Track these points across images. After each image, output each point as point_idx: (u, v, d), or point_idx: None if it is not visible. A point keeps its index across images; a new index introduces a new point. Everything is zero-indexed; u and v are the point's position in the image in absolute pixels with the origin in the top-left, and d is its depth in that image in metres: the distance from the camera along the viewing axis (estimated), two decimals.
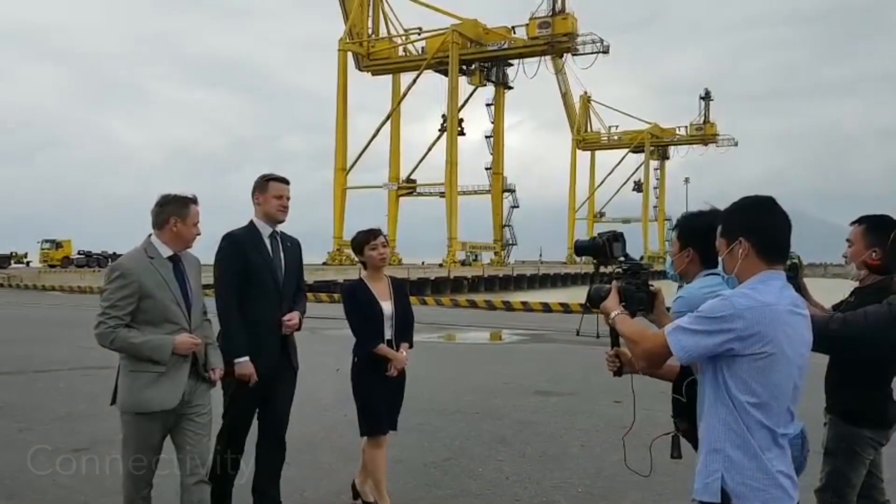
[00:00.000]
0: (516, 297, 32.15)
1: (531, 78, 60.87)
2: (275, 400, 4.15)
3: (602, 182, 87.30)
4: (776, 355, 2.14)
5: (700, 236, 2.66)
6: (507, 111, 65.33)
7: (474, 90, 62.44)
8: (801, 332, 2.22)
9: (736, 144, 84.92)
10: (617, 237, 2.82)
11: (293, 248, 4.25)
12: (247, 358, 3.94)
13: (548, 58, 60.14)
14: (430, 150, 62.44)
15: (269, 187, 4.11)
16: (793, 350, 2.17)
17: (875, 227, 3.20)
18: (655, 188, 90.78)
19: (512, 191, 69.83)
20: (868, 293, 3.16)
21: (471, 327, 18.13)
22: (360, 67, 59.89)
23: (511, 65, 61.87)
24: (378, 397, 4.33)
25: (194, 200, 3.67)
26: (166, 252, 3.59)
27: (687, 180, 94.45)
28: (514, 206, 71.16)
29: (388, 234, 60.97)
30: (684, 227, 2.78)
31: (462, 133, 59.98)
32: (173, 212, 3.58)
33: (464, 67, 58.85)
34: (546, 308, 23.68)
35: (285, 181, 4.20)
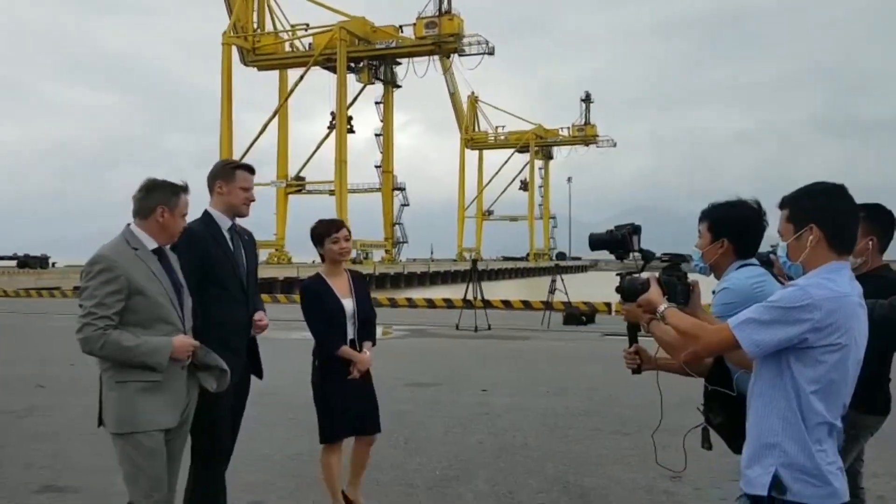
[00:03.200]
0: (404, 295, 32.52)
1: (420, 77, 61.43)
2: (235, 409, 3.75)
3: (490, 181, 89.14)
4: (848, 347, 2.10)
5: (735, 227, 2.65)
6: (397, 110, 65.62)
7: (363, 88, 62.35)
8: (865, 324, 2.19)
9: (615, 145, 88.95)
10: (636, 229, 2.79)
11: (250, 242, 3.88)
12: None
13: (436, 57, 60.82)
14: (319, 147, 61.84)
15: (235, 176, 3.68)
16: (860, 341, 2.16)
17: (872, 216, 3.14)
18: (541, 187, 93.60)
19: (402, 189, 70.19)
20: (867, 280, 3.16)
21: None
22: (245, 62, 58.54)
23: (400, 63, 62.16)
24: (341, 402, 4.09)
25: (185, 189, 3.25)
26: (151, 244, 3.14)
27: (570, 179, 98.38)
28: (404, 205, 71.55)
29: (277, 232, 60.11)
30: (716, 217, 2.71)
31: (351, 131, 59.76)
32: (161, 200, 3.15)
33: (352, 65, 58.64)
34: (430, 304, 24.18)
35: (252, 170, 3.79)
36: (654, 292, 2.49)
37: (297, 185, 62.09)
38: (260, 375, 3.89)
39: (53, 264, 48.79)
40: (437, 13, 57.09)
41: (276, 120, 59.57)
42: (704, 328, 2.28)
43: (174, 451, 3.24)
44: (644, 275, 2.62)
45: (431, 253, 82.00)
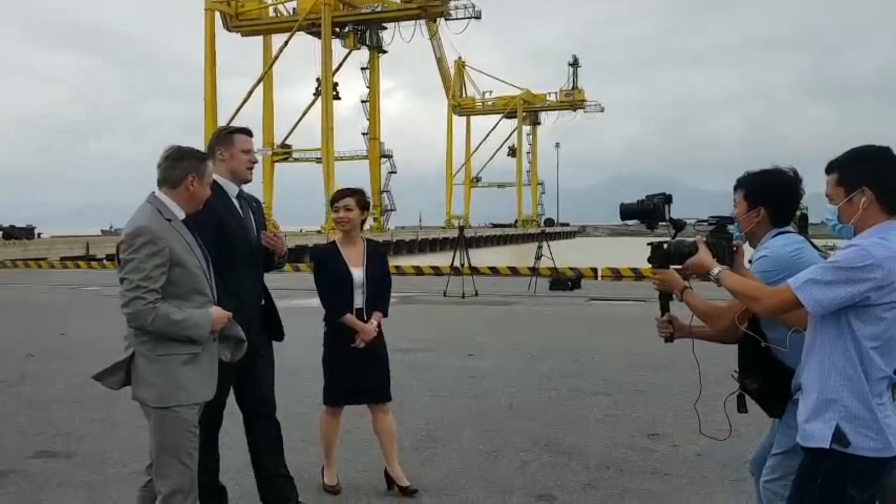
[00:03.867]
0: (393, 263, 32.62)
1: (407, 42, 60.81)
2: (260, 377, 3.75)
3: (478, 147, 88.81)
4: None
5: (772, 195, 2.67)
6: (384, 76, 65.10)
7: (348, 53, 61.68)
8: None
9: (602, 110, 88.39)
10: (668, 199, 2.81)
11: (258, 209, 3.87)
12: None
13: (422, 22, 60.14)
14: (305, 114, 61.32)
15: (234, 140, 3.67)
16: None
17: None
18: (528, 153, 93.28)
19: (389, 156, 69.90)
20: None
21: None
22: (228, 28, 57.69)
23: (385, 28, 61.45)
24: (342, 369, 4.15)
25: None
26: (180, 214, 3.08)
27: (558, 145, 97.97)
28: (391, 172, 71.32)
29: (264, 200, 59.42)
30: (752, 185, 2.73)
31: (337, 97, 59.20)
32: (191, 168, 3.08)
33: (337, 30, 57.91)
34: (418, 272, 24.31)
35: (250, 133, 3.79)
36: (706, 255, 2.56)
37: (284, 153, 61.71)
38: (280, 337, 3.86)
39: (39, 235, 48.49)
40: None
41: (260, 87, 58.95)
42: (764, 289, 2.36)
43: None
44: (688, 238, 2.66)
45: (420, 220, 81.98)
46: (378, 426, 4.33)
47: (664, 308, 2.83)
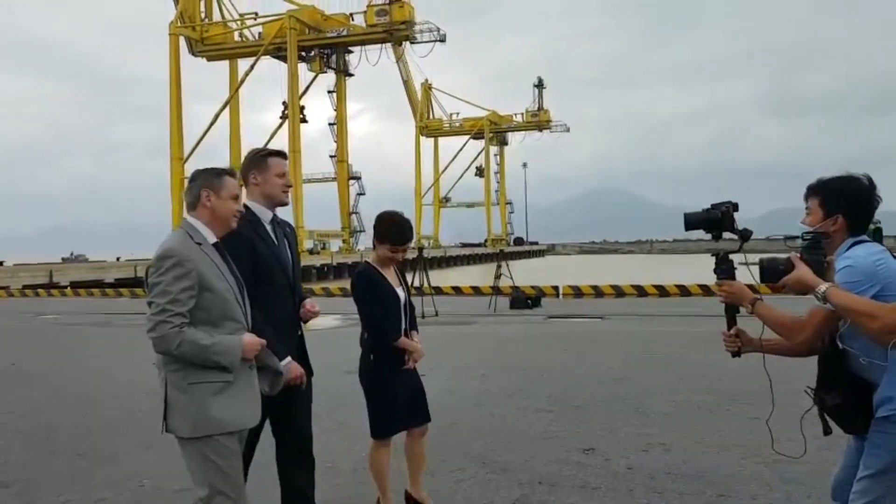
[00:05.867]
0: None
1: (373, 65, 61.24)
2: (296, 410, 3.65)
3: (446, 168, 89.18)
4: None
5: (849, 202, 2.56)
6: (351, 99, 65.46)
7: (315, 77, 61.78)
8: None
9: (568, 130, 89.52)
10: (735, 207, 2.68)
11: (291, 233, 3.76)
12: (289, 358, 3.42)
13: (388, 45, 60.59)
14: (271, 137, 61.07)
15: (269, 164, 3.57)
16: None
17: None
18: (496, 173, 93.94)
19: (358, 178, 70.05)
20: None
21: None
22: (193, 52, 57.56)
23: (352, 52, 61.80)
24: (398, 395, 4.03)
25: (230, 172, 3.13)
26: (211, 237, 3.02)
27: (525, 165, 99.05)
28: (360, 194, 71.46)
29: None
30: (829, 192, 2.61)
31: (304, 121, 59.21)
32: (204, 184, 3.03)
33: (303, 54, 58.09)
34: None
35: (285, 156, 3.71)
36: (807, 272, 2.47)
37: None
38: (311, 373, 3.70)
39: (2, 263, 47.64)
40: (388, 1, 56.84)
41: (227, 110, 58.82)
42: (882, 307, 2.32)
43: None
44: (781, 255, 2.56)
45: None
46: (416, 449, 4.26)
47: (731, 321, 2.73)
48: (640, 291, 19.93)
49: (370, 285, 4.00)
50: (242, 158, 3.81)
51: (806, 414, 2.70)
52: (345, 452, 5.62)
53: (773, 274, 2.52)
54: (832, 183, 2.62)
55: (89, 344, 12.96)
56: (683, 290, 19.53)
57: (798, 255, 2.53)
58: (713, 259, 2.78)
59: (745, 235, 2.71)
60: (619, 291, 20.15)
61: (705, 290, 18.52)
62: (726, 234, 2.76)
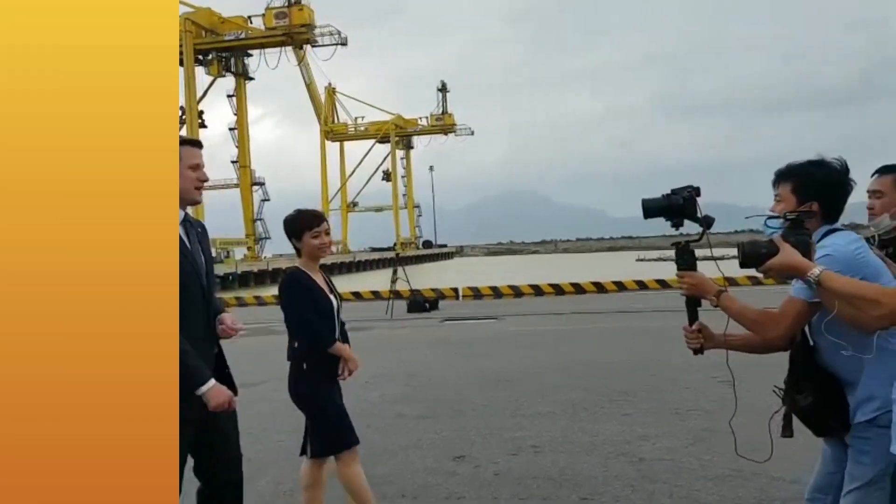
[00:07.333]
0: (258, 293, 31.77)
1: (273, 69, 59.99)
2: (221, 434, 3.13)
3: (353, 173, 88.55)
4: None
5: (824, 188, 2.39)
6: (253, 103, 64.08)
7: (213, 81, 60.17)
8: None
9: (472, 133, 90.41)
10: (698, 191, 2.44)
11: (204, 234, 3.19)
12: (213, 381, 2.92)
13: (289, 49, 59.61)
14: None
15: (180, 154, 2.91)
16: None
17: None
18: (403, 177, 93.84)
19: (262, 184, 68.37)
20: None
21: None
22: None
23: (251, 55, 60.45)
24: (341, 405, 3.81)
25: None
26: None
27: (432, 168, 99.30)
28: (264, 200, 69.68)
29: None
30: (802, 178, 2.42)
31: (203, 126, 57.56)
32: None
33: (200, 57, 56.45)
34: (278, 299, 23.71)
35: (200, 144, 3.13)
36: (796, 255, 2.20)
37: None
38: (234, 391, 3.09)
39: None
40: (287, 3, 55.92)
41: None
42: (887, 293, 2.12)
43: None
44: (762, 238, 2.31)
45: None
46: (350, 470, 3.82)
47: (693, 316, 2.47)
48: (537, 290, 20.16)
49: (302, 288, 3.73)
50: None
51: (775, 416, 2.50)
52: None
53: (754, 258, 2.25)
54: (804, 168, 2.44)
55: None
56: (578, 288, 19.89)
57: (780, 237, 2.28)
58: (673, 251, 2.51)
59: (708, 222, 2.46)
60: (517, 291, 20.34)
61: (598, 287, 18.89)
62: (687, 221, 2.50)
